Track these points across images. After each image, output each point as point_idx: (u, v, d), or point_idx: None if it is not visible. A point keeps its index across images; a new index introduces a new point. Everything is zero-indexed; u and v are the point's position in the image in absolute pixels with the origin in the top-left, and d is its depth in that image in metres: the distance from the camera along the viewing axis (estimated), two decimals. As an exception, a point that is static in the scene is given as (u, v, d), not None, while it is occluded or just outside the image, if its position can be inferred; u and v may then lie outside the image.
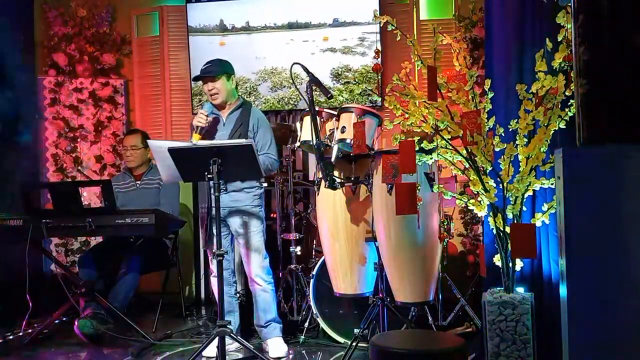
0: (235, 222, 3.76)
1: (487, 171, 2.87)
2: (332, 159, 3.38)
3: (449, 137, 2.92)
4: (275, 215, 4.71)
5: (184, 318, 4.72)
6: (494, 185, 2.84)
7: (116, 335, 4.02)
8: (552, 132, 2.75)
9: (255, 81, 5.42)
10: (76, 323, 3.96)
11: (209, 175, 3.23)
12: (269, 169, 3.77)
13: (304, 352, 3.81)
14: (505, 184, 2.82)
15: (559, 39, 2.66)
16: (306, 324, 3.98)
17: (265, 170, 3.71)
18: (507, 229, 2.81)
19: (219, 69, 3.75)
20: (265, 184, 4.01)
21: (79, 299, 4.12)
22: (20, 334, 4.23)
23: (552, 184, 2.77)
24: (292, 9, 5.40)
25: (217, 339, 3.27)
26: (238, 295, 4.07)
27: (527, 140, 2.80)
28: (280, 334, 3.80)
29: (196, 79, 3.82)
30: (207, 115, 3.64)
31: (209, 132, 3.72)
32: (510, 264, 2.82)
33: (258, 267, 3.75)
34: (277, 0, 5.45)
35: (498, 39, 3.26)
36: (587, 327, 1.74)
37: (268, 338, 3.78)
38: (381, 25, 3.32)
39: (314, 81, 3.35)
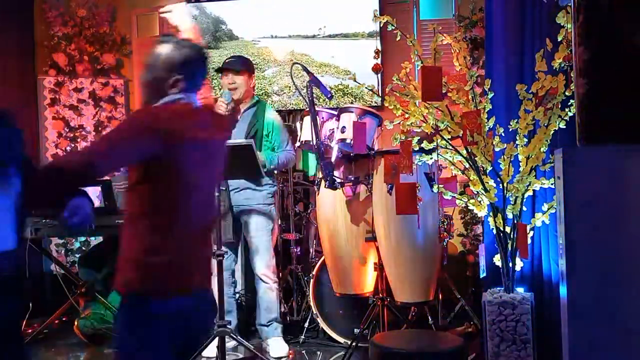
0: (245, 221, 3.77)
1: (487, 171, 2.87)
2: (332, 159, 3.38)
3: (449, 137, 2.92)
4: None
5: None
6: (494, 185, 2.84)
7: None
8: (552, 132, 2.75)
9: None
10: (76, 323, 3.95)
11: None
12: (288, 164, 3.93)
13: (304, 352, 3.81)
14: (505, 184, 2.82)
15: (559, 39, 2.66)
16: (306, 324, 3.98)
17: (286, 165, 3.91)
18: (507, 229, 2.81)
19: (243, 64, 3.80)
20: None
21: (79, 299, 4.12)
22: (21, 334, 4.23)
23: (552, 184, 2.77)
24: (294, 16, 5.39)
25: (217, 339, 3.27)
26: (237, 295, 4.08)
27: (527, 140, 2.80)
28: (280, 334, 3.80)
29: (219, 70, 3.85)
30: (227, 104, 3.66)
31: None
32: (510, 264, 2.82)
33: (265, 265, 3.76)
34: (279, 7, 5.43)
35: (498, 39, 3.26)
36: (587, 327, 1.74)
37: (269, 337, 3.78)
38: (381, 25, 3.32)
39: (314, 81, 3.35)
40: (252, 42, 5.47)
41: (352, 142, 3.31)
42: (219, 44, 5.48)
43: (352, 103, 5.10)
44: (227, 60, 3.86)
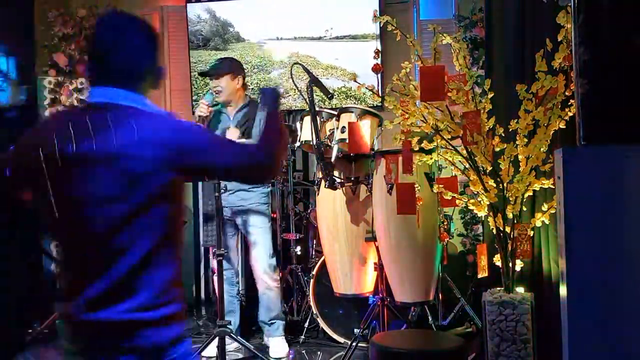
0: (243, 221, 3.78)
1: (487, 171, 2.86)
2: (332, 159, 3.38)
3: (449, 137, 2.92)
4: (275, 215, 4.71)
5: (184, 318, 4.71)
6: (494, 185, 2.84)
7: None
8: (552, 132, 2.74)
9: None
10: None
11: (208, 175, 3.24)
12: None
13: (304, 352, 3.81)
14: (505, 184, 2.82)
15: (559, 39, 2.66)
16: (306, 324, 3.98)
17: None
18: (507, 229, 2.81)
19: (225, 67, 3.77)
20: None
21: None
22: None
23: (552, 184, 2.77)
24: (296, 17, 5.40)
25: (217, 339, 3.27)
26: (239, 295, 4.08)
27: (527, 140, 2.80)
28: (282, 333, 3.81)
29: (201, 74, 3.89)
30: (208, 105, 3.66)
31: (215, 129, 3.76)
32: (510, 264, 2.82)
33: (265, 264, 3.77)
34: (284, 9, 5.44)
35: (498, 39, 3.26)
36: (587, 327, 1.74)
37: (271, 336, 3.79)
38: (381, 25, 3.32)
39: (314, 81, 3.35)
40: (257, 43, 5.49)
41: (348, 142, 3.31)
42: (227, 46, 5.51)
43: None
44: (210, 64, 3.87)
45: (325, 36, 5.35)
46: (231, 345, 3.70)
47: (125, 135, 1.48)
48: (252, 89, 5.35)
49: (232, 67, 3.79)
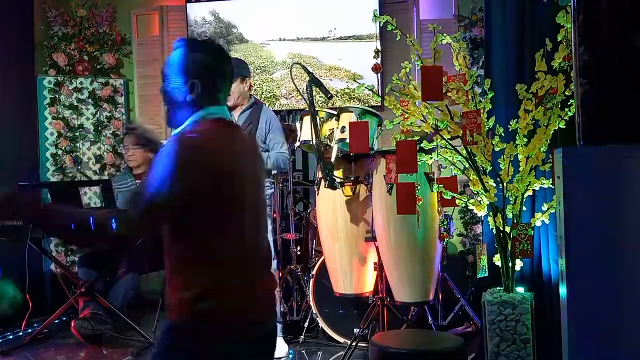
0: None
1: (487, 171, 2.87)
2: (332, 159, 3.37)
3: (449, 137, 2.92)
4: (275, 215, 4.71)
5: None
6: (494, 185, 2.84)
7: (116, 335, 4.02)
8: (552, 132, 2.75)
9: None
10: (73, 324, 3.95)
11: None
12: (282, 167, 3.86)
13: (304, 352, 3.81)
14: (505, 184, 2.82)
15: (559, 39, 2.66)
16: (306, 324, 3.98)
17: (278, 168, 3.84)
18: (507, 229, 2.81)
19: (235, 70, 3.68)
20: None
21: (79, 299, 4.12)
22: (20, 334, 4.23)
23: (552, 184, 2.77)
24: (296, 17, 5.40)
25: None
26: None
27: (527, 140, 2.80)
28: (281, 335, 3.80)
29: None
30: None
31: None
32: (510, 264, 2.82)
33: None
34: (288, 10, 5.44)
35: (498, 39, 3.26)
36: (587, 327, 1.74)
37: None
38: (381, 25, 3.32)
39: (314, 81, 3.34)
40: (261, 45, 5.50)
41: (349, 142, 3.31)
42: (230, 47, 5.52)
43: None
44: None
45: (329, 37, 5.36)
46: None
47: (255, 143, 2.06)
48: (255, 89, 5.36)
49: (241, 70, 3.74)
